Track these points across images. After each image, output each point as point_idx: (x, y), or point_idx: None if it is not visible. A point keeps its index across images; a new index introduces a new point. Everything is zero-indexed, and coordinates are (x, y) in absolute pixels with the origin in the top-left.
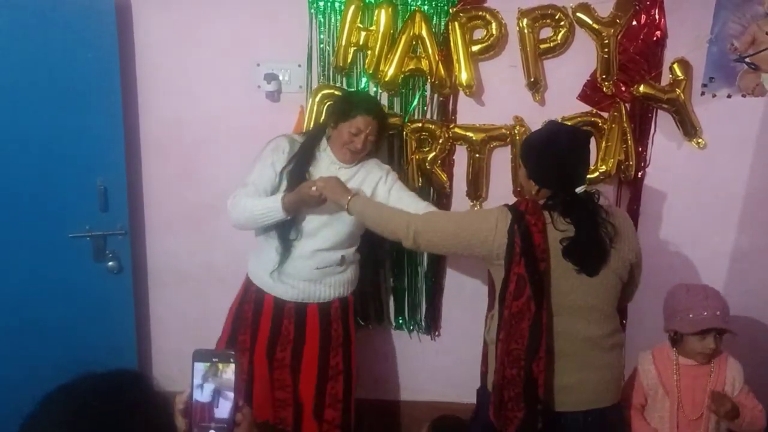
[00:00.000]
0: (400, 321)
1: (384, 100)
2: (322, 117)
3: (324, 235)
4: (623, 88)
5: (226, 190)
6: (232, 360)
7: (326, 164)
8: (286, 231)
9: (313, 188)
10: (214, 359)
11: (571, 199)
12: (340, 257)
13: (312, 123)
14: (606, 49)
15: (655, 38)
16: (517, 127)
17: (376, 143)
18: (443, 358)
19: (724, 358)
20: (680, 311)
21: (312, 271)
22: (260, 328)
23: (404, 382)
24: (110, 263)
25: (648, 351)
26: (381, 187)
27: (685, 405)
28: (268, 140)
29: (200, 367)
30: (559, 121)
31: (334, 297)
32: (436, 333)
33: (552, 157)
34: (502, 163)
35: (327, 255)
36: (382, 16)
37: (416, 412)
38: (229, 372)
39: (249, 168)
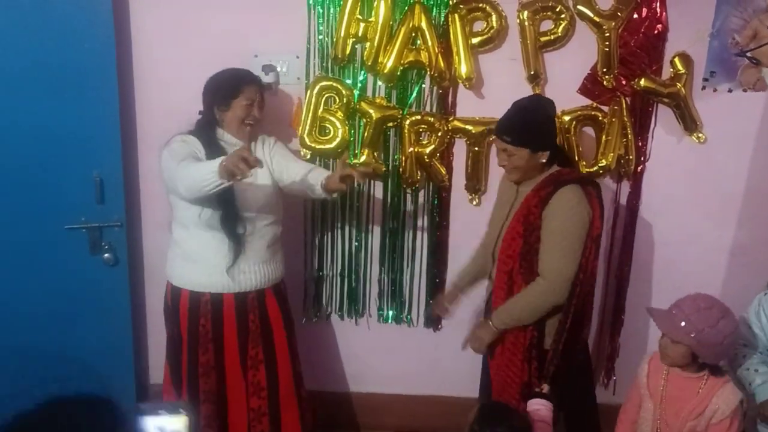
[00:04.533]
0: (403, 315)
1: (383, 92)
2: (203, 110)
3: (263, 208)
4: (624, 82)
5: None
6: (182, 412)
7: (227, 148)
8: (231, 224)
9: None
10: (160, 412)
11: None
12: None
13: (310, 114)
14: (607, 43)
15: (656, 32)
16: None
17: (262, 112)
18: (443, 351)
19: (720, 383)
20: (669, 308)
21: (266, 250)
22: (225, 336)
23: (404, 376)
24: (106, 255)
25: (651, 351)
26: (279, 162)
27: (667, 413)
28: (166, 147)
29: (149, 423)
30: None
31: (282, 276)
32: (439, 326)
33: (554, 122)
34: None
35: (271, 229)
36: (381, 8)
37: (414, 406)
38: (179, 425)
39: (165, 161)
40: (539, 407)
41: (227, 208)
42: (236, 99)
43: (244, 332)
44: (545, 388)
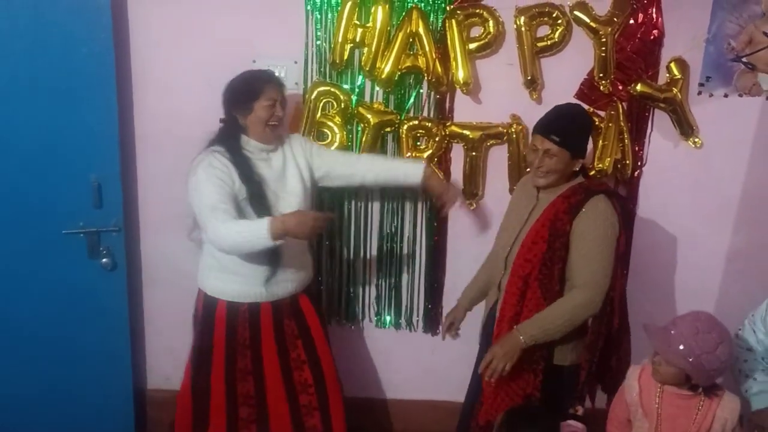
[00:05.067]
0: (399, 320)
1: (380, 97)
2: (225, 117)
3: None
4: (620, 87)
5: None
6: None
7: (257, 158)
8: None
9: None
10: None
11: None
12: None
13: (308, 120)
14: (603, 48)
15: (652, 37)
16: (514, 126)
17: (284, 110)
18: (440, 356)
19: (719, 395)
20: (667, 327)
21: (300, 257)
22: (263, 342)
23: (399, 381)
24: (104, 260)
25: (639, 366)
26: (314, 158)
27: None
28: (193, 169)
29: None
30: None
31: (312, 278)
32: (436, 331)
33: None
34: (498, 161)
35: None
36: (379, 13)
37: (412, 410)
38: None
39: (193, 194)
40: (574, 430)
41: None
42: (257, 101)
43: (280, 336)
44: (580, 410)
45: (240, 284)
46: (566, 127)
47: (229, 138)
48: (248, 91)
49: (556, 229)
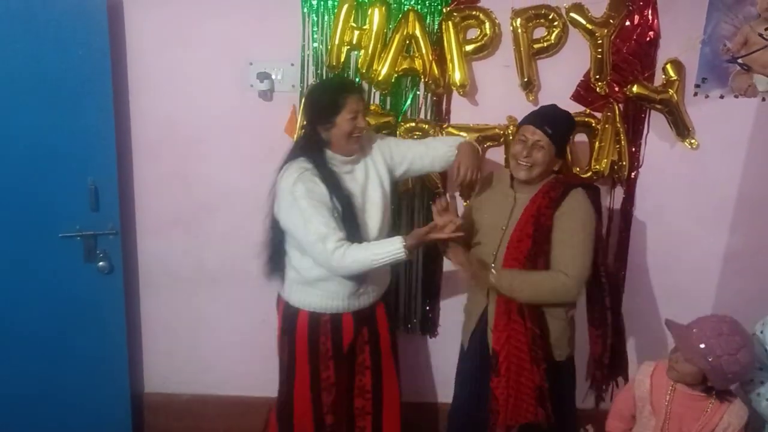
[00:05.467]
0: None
1: (377, 99)
2: (305, 135)
3: (382, 231)
4: (616, 89)
5: (218, 190)
6: None
7: (342, 171)
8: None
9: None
10: None
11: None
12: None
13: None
14: (599, 50)
15: (648, 39)
16: (511, 127)
17: (365, 119)
18: (439, 358)
19: (729, 401)
20: (690, 325)
21: (386, 270)
22: (344, 351)
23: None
24: (101, 263)
25: (652, 363)
26: (394, 158)
27: (671, 430)
28: (289, 190)
29: None
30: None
31: (389, 286)
32: (435, 333)
33: None
34: (495, 163)
35: None
36: (376, 16)
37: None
38: None
39: (296, 222)
40: None
41: (352, 240)
42: (339, 115)
43: (354, 342)
44: (590, 429)
45: (321, 297)
46: (559, 123)
47: (313, 152)
48: (330, 106)
49: (540, 224)
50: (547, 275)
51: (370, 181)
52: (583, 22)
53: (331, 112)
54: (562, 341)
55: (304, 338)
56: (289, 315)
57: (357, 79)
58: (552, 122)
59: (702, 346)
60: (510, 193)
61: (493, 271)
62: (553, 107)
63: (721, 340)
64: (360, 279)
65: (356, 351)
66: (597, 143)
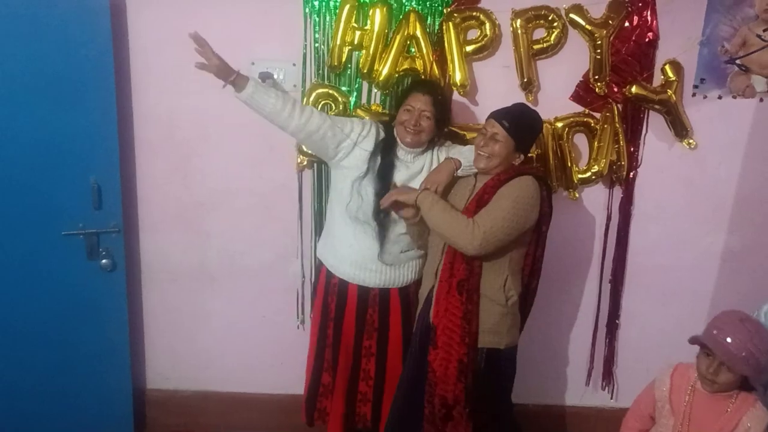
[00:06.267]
0: None
1: (378, 99)
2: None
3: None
4: (615, 89)
5: (219, 187)
6: None
7: (402, 154)
8: (384, 220)
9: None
10: None
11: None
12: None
13: None
14: (598, 50)
15: (647, 40)
16: None
17: (433, 123)
18: None
19: (749, 403)
20: (712, 326)
21: (398, 255)
22: (345, 320)
23: None
24: (103, 261)
25: (672, 364)
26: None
27: (690, 431)
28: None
29: None
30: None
31: (412, 280)
32: None
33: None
34: None
35: (405, 238)
36: (377, 16)
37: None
38: None
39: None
40: None
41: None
42: (402, 106)
43: (360, 324)
44: None
45: (334, 258)
46: (519, 119)
47: (389, 127)
48: (400, 96)
49: (483, 201)
50: (462, 217)
51: (420, 177)
52: (583, 23)
53: (398, 101)
54: (501, 327)
55: (321, 291)
56: (317, 265)
57: (359, 81)
58: (511, 118)
59: (743, 354)
60: (472, 180)
61: (420, 191)
62: (521, 105)
63: (755, 341)
64: (380, 242)
65: (364, 335)
66: (596, 143)
